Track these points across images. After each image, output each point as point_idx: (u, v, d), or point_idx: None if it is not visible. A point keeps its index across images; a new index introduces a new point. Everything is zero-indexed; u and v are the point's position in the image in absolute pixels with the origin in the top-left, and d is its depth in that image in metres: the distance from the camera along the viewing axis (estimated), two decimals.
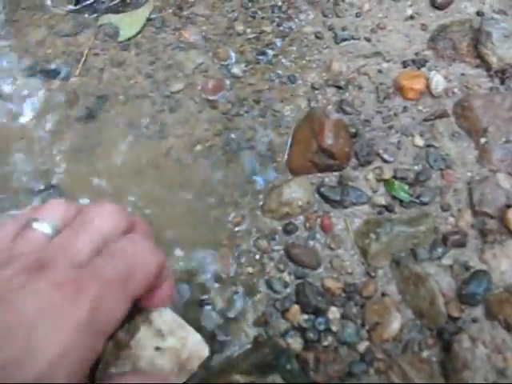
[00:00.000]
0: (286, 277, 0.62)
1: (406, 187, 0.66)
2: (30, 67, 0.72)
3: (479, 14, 0.77)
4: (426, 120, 0.70)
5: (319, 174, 0.67)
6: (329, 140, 0.64)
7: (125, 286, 0.42)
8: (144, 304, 0.48)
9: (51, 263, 0.42)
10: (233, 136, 0.68)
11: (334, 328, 0.59)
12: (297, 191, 0.64)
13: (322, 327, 0.59)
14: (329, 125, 0.65)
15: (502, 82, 0.73)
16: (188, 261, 0.62)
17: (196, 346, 0.46)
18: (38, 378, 0.36)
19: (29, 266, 0.41)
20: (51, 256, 0.42)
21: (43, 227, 0.45)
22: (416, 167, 0.67)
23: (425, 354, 0.58)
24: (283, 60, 0.74)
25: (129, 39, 0.75)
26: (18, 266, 0.42)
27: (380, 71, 0.74)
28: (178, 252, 0.62)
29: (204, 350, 0.46)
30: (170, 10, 0.78)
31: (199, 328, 0.58)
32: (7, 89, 0.70)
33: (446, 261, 0.62)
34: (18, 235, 0.45)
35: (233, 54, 0.74)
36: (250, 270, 0.62)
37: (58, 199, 0.48)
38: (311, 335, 0.58)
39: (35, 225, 0.45)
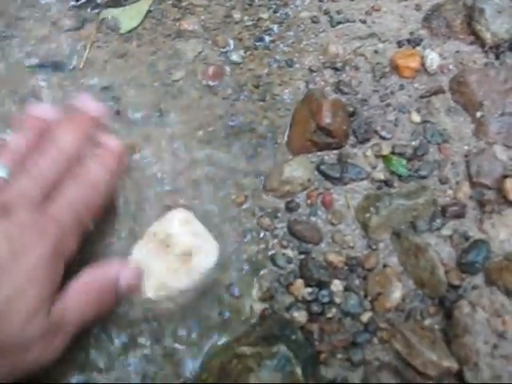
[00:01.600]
0: (290, 252, 0.63)
1: (404, 162, 0.67)
2: (35, 62, 0.74)
3: None
4: (422, 97, 0.72)
5: (319, 153, 0.68)
6: (327, 119, 0.66)
7: (80, 222, 0.50)
8: None
9: (15, 207, 0.46)
10: (234, 120, 0.70)
11: (337, 300, 0.61)
12: (297, 170, 0.66)
13: (325, 300, 0.61)
14: (326, 104, 0.67)
15: (497, 57, 0.74)
16: None
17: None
18: (9, 295, 0.43)
19: None
20: (13, 199, 0.47)
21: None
22: (413, 143, 0.69)
23: (427, 322, 0.60)
24: (281, 45, 0.76)
25: (130, 31, 0.77)
26: None
27: (376, 52, 0.75)
28: None
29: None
30: (170, 2, 0.80)
31: (205, 305, 0.60)
32: (14, 83, 0.73)
33: (446, 231, 0.64)
34: None
35: (231, 42, 0.76)
36: (254, 247, 0.64)
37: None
38: (315, 308, 0.60)
39: None
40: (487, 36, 0.73)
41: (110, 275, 0.53)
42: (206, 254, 0.60)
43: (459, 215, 0.65)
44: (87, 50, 0.75)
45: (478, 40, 0.75)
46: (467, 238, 0.63)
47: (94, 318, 0.52)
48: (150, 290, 0.57)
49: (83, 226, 0.52)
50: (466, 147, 0.69)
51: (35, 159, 0.50)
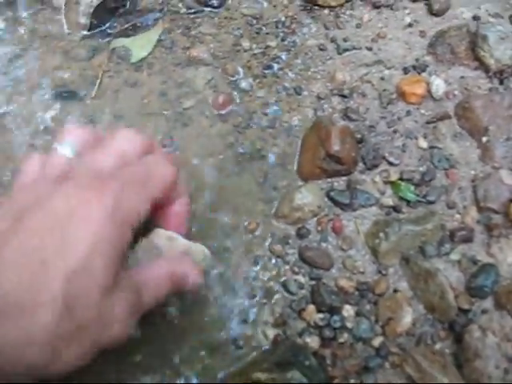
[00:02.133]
0: (301, 278, 0.64)
1: (412, 188, 0.68)
2: (49, 92, 0.76)
3: (475, 18, 0.80)
4: (428, 122, 0.73)
5: (328, 179, 0.69)
6: (336, 146, 0.67)
7: (144, 185, 0.48)
8: (162, 223, 0.53)
9: (76, 175, 0.46)
10: (244, 147, 0.72)
11: (348, 325, 0.62)
12: (307, 196, 0.67)
13: (337, 325, 0.62)
14: (335, 132, 0.68)
15: (501, 82, 0.75)
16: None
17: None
18: (78, 265, 0.41)
19: (55, 179, 0.46)
20: (75, 170, 0.47)
21: (66, 151, 0.49)
22: (421, 168, 0.70)
23: (438, 346, 0.60)
24: (289, 73, 0.77)
25: (141, 60, 0.79)
26: (45, 181, 0.46)
27: (382, 78, 0.76)
28: None
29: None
30: (179, 31, 0.81)
31: (219, 332, 0.61)
32: (27, 112, 0.74)
33: (454, 256, 0.65)
34: (45, 161, 0.49)
35: (240, 70, 0.77)
36: (266, 274, 0.65)
37: (74, 125, 0.52)
38: (327, 333, 0.61)
39: (59, 148, 0.49)
40: (491, 62, 0.75)
41: (184, 269, 0.51)
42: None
43: (467, 240, 0.66)
44: (99, 80, 0.77)
45: (482, 66, 0.76)
46: (475, 262, 0.64)
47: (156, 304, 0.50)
48: None
49: (149, 192, 0.48)
50: (472, 172, 0.70)
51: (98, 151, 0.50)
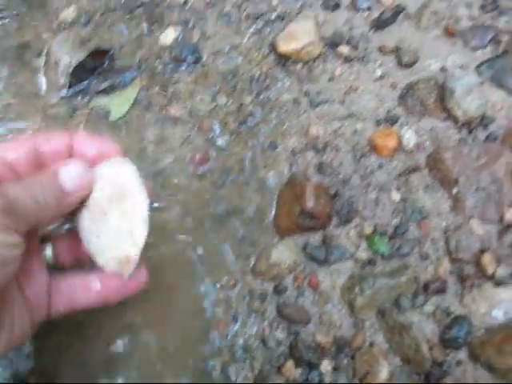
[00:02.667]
0: (280, 334, 0.66)
1: (386, 241, 0.70)
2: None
3: (443, 70, 0.83)
4: (400, 175, 0.75)
5: (304, 235, 0.71)
6: (310, 203, 0.69)
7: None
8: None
9: None
10: (221, 205, 0.73)
11: (327, 380, 0.63)
12: (284, 253, 0.69)
13: (315, 380, 0.63)
14: (310, 188, 0.70)
15: (470, 133, 0.78)
16: (185, 329, 0.66)
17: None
18: None
19: None
20: None
21: None
22: (394, 221, 0.72)
23: None
24: (264, 128, 0.79)
25: (119, 119, 0.80)
26: None
27: (355, 132, 0.79)
28: None
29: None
30: (156, 88, 0.83)
31: None
32: None
33: (428, 308, 0.67)
34: None
35: (217, 126, 0.79)
36: (245, 330, 0.66)
37: None
38: None
39: None
40: (459, 113, 0.77)
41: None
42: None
43: (441, 291, 0.67)
44: None
45: (451, 117, 0.78)
46: (449, 314, 0.66)
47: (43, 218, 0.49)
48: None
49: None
50: (444, 223, 0.72)
51: None
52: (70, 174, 0.50)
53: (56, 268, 0.54)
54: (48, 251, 0.54)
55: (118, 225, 0.52)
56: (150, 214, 0.51)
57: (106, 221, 0.52)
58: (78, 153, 0.53)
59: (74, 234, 0.54)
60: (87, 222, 0.52)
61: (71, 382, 0.63)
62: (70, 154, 0.53)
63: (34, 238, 0.53)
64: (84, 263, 0.56)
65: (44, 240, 0.55)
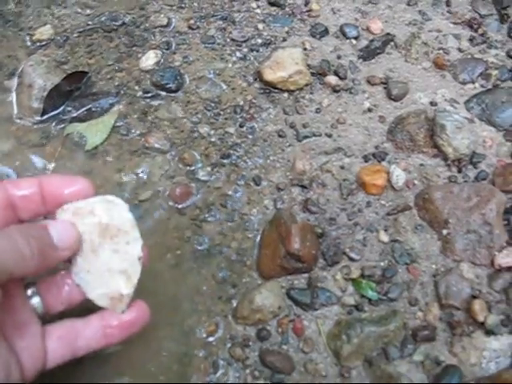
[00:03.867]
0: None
1: (374, 285, 0.67)
2: None
3: (432, 104, 0.81)
4: (389, 214, 0.72)
5: (289, 277, 0.68)
6: (296, 245, 0.66)
7: None
8: None
9: None
10: (202, 242, 0.70)
11: None
12: (268, 297, 0.65)
13: None
14: (295, 229, 0.67)
15: (459, 171, 0.76)
16: (164, 373, 0.62)
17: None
18: None
19: None
20: None
21: None
22: (382, 263, 0.69)
23: None
24: (248, 161, 0.76)
25: (96, 148, 0.76)
26: None
27: (342, 167, 0.76)
28: None
29: None
30: (135, 116, 0.79)
31: None
32: None
33: (417, 357, 0.64)
34: None
35: (198, 158, 0.76)
36: (226, 379, 0.62)
37: None
38: None
39: None
40: (449, 151, 0.75)
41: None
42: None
43: (430, 339, 0.65)
44: (51, 168, 0.74)
45: (441, 154, 0.76)
46: (439, 363, 0.64)
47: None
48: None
49: None
50: (433, 266, 0.69)
51: None
52: (58, 230, 0.50)
53: (47, 318, 0.53)
54: (35, 300, 0.52)
55: (110, 262, 0.52)
56: None
57: (97, 257, 0.52)
58: (50, 196, 0.52)
59: (59, 279, 0.54)
60: (78, 256, 0.52)
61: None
62: (42, 197, 0.52)
63: (18, 288, 0.51)
64: (76, 306, 0.54)
65: (28, 285, 0.52)
